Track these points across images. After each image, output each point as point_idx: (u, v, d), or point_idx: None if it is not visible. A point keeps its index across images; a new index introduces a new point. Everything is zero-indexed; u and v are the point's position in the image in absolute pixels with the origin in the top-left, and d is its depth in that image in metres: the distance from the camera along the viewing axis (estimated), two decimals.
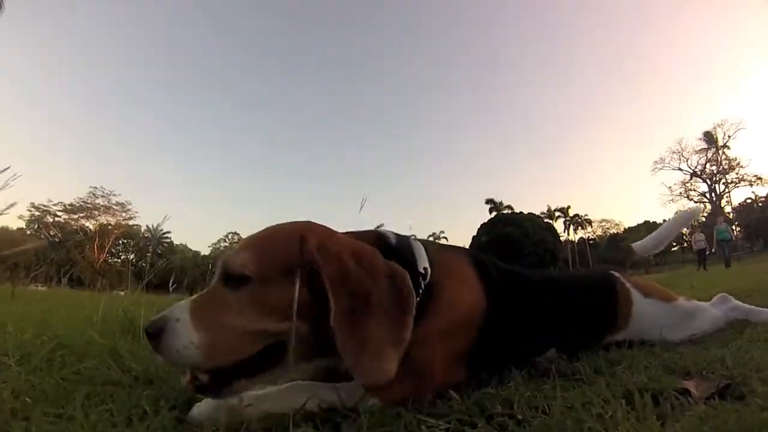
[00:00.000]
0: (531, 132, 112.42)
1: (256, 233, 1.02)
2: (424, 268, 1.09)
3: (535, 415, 0.84)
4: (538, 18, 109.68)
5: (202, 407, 0.91)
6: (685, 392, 0.92)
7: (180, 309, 0.90)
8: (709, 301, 1.92)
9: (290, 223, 1.05)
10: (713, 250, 18.06)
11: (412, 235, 1.22)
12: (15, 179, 2.01)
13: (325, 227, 1.06)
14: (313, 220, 1.09)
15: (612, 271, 1.73)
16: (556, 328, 1.41)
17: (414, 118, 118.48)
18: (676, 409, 0.83)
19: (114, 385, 1.15)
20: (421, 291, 1.05)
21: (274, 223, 1.05)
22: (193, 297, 0.95)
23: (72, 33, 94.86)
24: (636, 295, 1.62)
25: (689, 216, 2.07)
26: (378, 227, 1.26)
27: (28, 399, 0.97)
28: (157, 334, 0.87)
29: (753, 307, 1.83)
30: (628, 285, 1.65)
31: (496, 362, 1.23)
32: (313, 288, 0.91)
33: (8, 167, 2.02)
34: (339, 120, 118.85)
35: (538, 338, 1.38)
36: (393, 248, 1.11)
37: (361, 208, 2.07)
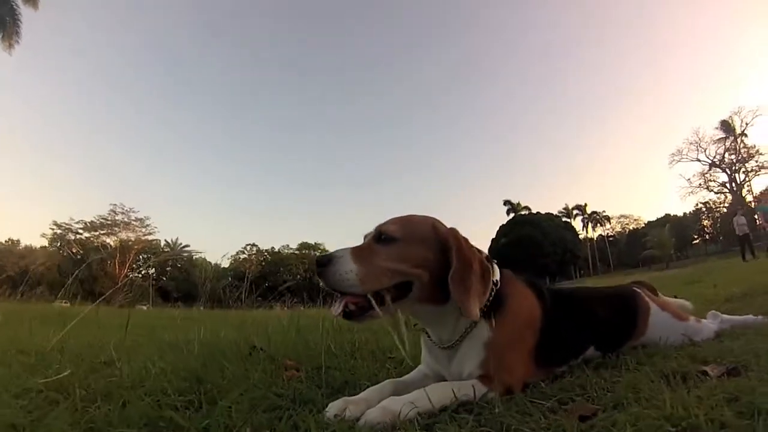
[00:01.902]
0: (545, 130, 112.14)
1: (400, 216, 1.49)
2: (496, 280, 1.47)
3: (603, 395, 1.24)
4: (548, 14, 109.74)
5: (369, 415, 1.16)
6: (704, 373, 1.33)
7: (343, 250, 1.34)
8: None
9: (422, 215, 1.52)
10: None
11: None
12: None
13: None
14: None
15: (635, 287, 2.05)
16: (593, 331, 1.75)
17: (430, 121, 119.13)
18: (698, 384, 1.23)
19: None
20: (491, 296, 1.43)
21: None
22: (353, 246, 1.38)
23: (93, 51, 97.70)
24: (654, 308, 1.94)
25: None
26: None
27: None
28: (325, 263, 1.29)
29: (739, 317, 2.25)
30: (648, 299, 1.97)
31: (555, 359, 1.59)
32: (435, 252, 1.39)
33: None
34: (354, 125, 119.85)
35: (581, 338, 1.71)
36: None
37: None
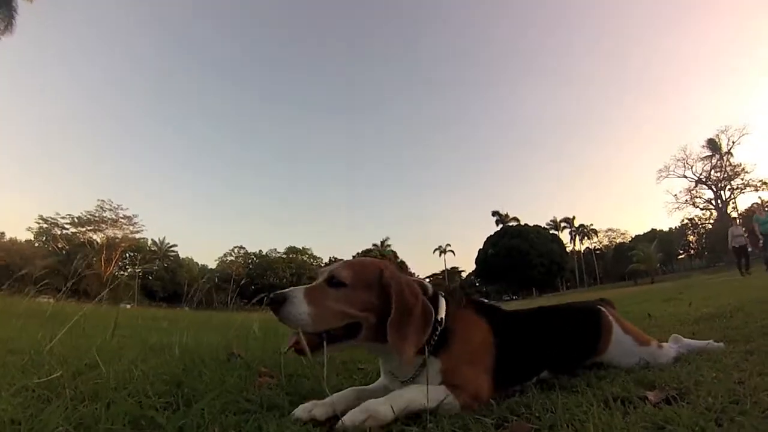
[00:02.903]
0: (534, 143, 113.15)
1: (352, 260, 1.60)
2: (441, 318, 1.55)
3: (544, 415, 1.34)
4: (538, 27, 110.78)
5: (352, 415, 1.27)
6: (645, 399, 1.41)
7: (297, 290, 1.43)
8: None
9: (373, 259, 1.63)
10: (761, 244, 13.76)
11: (441, 291, 1.70)
12: None
13: (394, 268, 1.60)
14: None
15: (600, 306, 2.09)
16: (548, 353, 1.83)
17: (420, 131, 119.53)
18: (636, 409, 1.34)
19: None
20: (436, 334, 1.51)
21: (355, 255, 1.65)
22: (306, 286, 1.47)
23: (85, 45, 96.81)
24: (617, 328, 1.99)
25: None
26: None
27: None
28: (280, 301, 1.38)
29: (699, 342, 2.28)
30: (611, 318, 2.01)
31: (507, 381, 1.65)
32: (380, 297, 1.47)
33: None
34: (344, 139, 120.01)
35: (535, 362, 1.80)
36: (427, 295, 1.59)
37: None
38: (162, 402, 1.52)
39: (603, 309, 2.07)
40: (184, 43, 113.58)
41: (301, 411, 1.39)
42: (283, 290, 1.42)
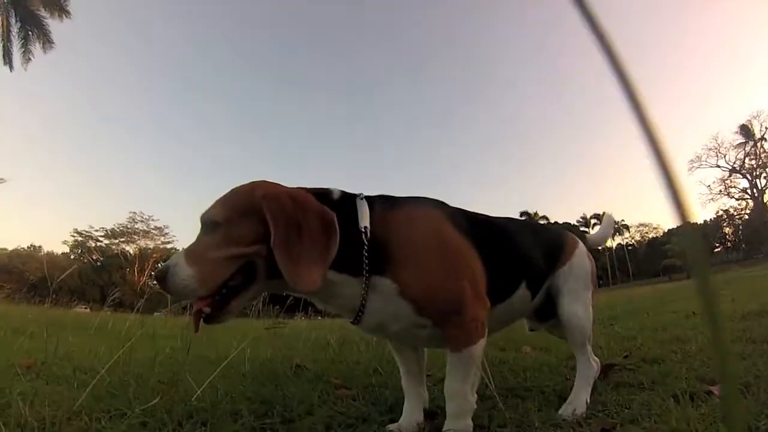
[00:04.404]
0: (563, 138, 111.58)
1: (223, 194, 1.30)
2: (365, 227, 1.27)
3: (621, 411, 1.48)
4: (563, 18, 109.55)
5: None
6: (710, 393, 1.56)
7: (176, 256, 1.22)
8: None
9: (245, 184, 1.31)
10: None
11: (361, 194, 1.38)
12: None
13: (274, 183, 1.31)
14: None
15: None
16: (524, 262, 1.66)
17: (448, 132, 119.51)
18: (703, 403, 1.46)
19: None
20: (365, 248, 1.25)
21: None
22: (186, 248, 1.25)
23: (117, 62, 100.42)
24: (581, 248, 1.88)
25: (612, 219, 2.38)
26: None
27: None
28: (163, 277, 1.18)
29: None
30: (578, 240, 1.92)
31: (497, 294, 1.47)
32: (264, 223, 1.19)
33: None
34: (371, 135, 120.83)
35: (512, 272, 1.61)
36: (333, 203, 1.30)
37: None
38: (260, 423, 1.53)
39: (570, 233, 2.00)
40: (235, 54, 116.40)
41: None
42: (166, 262, 1.22)
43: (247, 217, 1.21)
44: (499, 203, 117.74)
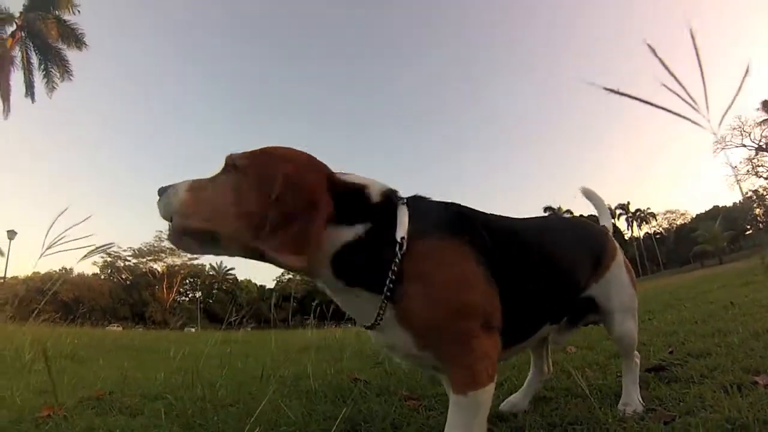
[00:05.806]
0: (584, 131, 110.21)
1: (268, 148, 1.14)
2: (402, 238, 1.09)
3: (676, 404, 1.64)
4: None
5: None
6: (755, 383, 1.71)
7: (184, 181, 1.12)
8: None
9: (296, 151, 1.13)
10: None
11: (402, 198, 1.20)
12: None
13: (306, 161, 1.11)
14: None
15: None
16: (557, 290, 1.44)
17: (469, 129, 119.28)
18: (750, 392, 1.61)
19: None
20: (397, 261, 1.06)
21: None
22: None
23: (140, 78, 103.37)
24: (618, 248, 1.71)
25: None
26: None
27: None
28: (162, 193, 1.12)
29: None
30: (616, 244, 1.73)
31: (512, 335, 1.25)
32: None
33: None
34: (395, 132, 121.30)
35: (538, 308, 1.39)
36: (371, 207, 1.12)
37: None
38: None
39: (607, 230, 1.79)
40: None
41: None
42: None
43: (260, 187, 1.04)
44: (519, 199, 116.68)
